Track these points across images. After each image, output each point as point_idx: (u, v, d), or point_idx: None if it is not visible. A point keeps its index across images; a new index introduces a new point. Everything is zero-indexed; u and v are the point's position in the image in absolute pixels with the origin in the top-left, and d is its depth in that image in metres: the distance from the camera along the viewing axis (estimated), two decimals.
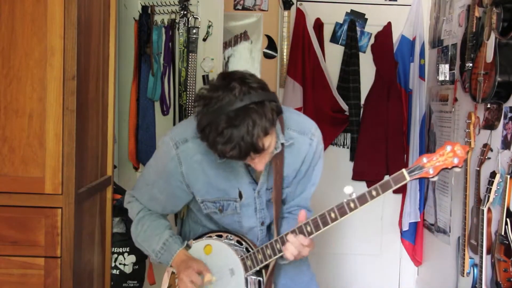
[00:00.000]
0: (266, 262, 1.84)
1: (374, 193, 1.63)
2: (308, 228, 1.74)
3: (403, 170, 1.61)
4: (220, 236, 1.96)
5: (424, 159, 1.59)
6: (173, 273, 2.00)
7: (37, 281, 2.10)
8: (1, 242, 2.09)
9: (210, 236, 1.97)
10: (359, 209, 1.66)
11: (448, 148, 1.57)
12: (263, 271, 1.87)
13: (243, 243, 1.92)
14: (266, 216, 1.94)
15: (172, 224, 2.21)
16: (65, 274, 2.11)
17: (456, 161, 1.56)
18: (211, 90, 1.64)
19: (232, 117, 1.58)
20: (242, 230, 1.96)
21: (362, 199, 1.65)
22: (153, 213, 2.01)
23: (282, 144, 1.82)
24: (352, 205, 1.65)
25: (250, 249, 1.90)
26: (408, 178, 1.60)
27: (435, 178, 1.60)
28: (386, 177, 4.46)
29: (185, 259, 1.90)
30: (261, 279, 1.87)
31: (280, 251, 1.80)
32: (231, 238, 1.94)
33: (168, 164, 1.86)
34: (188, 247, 1.95)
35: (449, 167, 1.57)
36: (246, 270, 1.85)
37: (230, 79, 1.64)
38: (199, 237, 2.00)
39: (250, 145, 1.60)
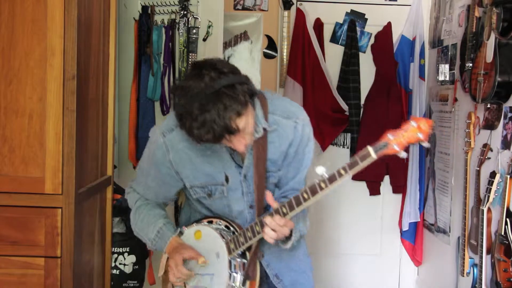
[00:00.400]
0: (247, 244, 1.89)
1: (342, 172, 1.65)
2: (284, 210, 1.78)
3: (368, 146, 1.62)
4: (211, 222, 2.02)
5: (390, 136, 1.59)
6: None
7: (37, 281, 2.10)
8: (1, 242, 2.10)
9: (201, 222, 2.04)
10: (330, 188, 1.67)
11: (413, 123, 1.57)
12: (247, 253, 1.93)
13: (231, 227, 1.98)
14: (255, 200, 1.98)
15: (173, 215, 2.24)
16: (65, 274, 2.11)
17: (421, 136, 1.56)
18: (184, 80, 1.74)
19: (203, 103, 1.66)
20: (232, 214, 2.01)
21: (332, 179, 1.66)
22: (149, 202, 2.09)
23: (265, 129, 1.87)
24: (322, 185, 1.68)
25: (236, 233, 1.95)
26: (373, 154, 1.60)
27: (403, 155, 1.59)
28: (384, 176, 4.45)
29: (176, 246, 1.97)
30: (245, 261, 1.93)
31: (259, 232, 1.84)
32: (220, 223, 2.00)
33: (157, 152, 1.96)
34: (181, 233, 2.03)
35: (414, 142, 1.57)
36: (229, 252, 1.90)
37: (201, 67, 1.73)
38: (192, 223, 2.07)
39: (223, 127, 1.67)
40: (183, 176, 1.97)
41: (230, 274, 1.88)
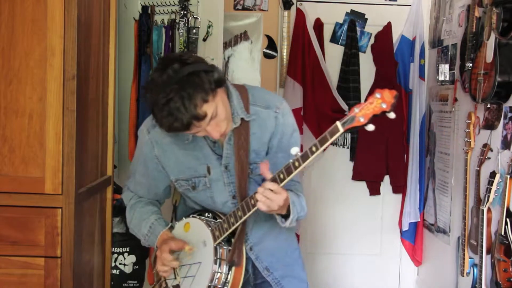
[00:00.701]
0: (231, 229, 1.91)
1: (314, 148, 1.67)
2: None
3: (337, 122, 1.64)
4: (200, 215, 2.05)
5: (356, 109, 1.61)
6: None
7: (37, 281, 2.11)
8: (1, 242, 2.10)
9: (190, 216, 2.07)
10: (303, 165, 1.70)
11: (377, 95, 1.59)
12: (233, 240, 1.95)
13: (218, 218, 2.00)
14: (236, 190, 2.00)
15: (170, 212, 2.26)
16: (65, 274, 2.11)
17: (384, 105, 1.59)
18: (151, 75, 1.78)
19: (168, 92, 1.70)
20: (216, 205, 2.03)
21: (304, 157, 1.69)
22: (142, 200, 2.13)
23: (243, 119, 1.90)
24: (296, 163, 1.71)
25: (220, 220, 1.98)
26: (341, 129, 1.63)
27: (370, 128, 1.61)
28: (384, 176, 4.45)
29: (166, 238, 2.00)
30: (231, 248, 1.95)
31: (241, 217, 1.87)
32: (208, 215, 2.03)
33: (143, 148, 2.03)
34: (172, 228, 2.07)
35: (378, 113, 1.59)
36: (215, 239, 1.93)
37: (167, 60, 1.77)
38: (182, 218, 2.10)
39: (190, 114, 1.70)
40: (168, 170, 2.02)
41: (216, 260, 1.90)
